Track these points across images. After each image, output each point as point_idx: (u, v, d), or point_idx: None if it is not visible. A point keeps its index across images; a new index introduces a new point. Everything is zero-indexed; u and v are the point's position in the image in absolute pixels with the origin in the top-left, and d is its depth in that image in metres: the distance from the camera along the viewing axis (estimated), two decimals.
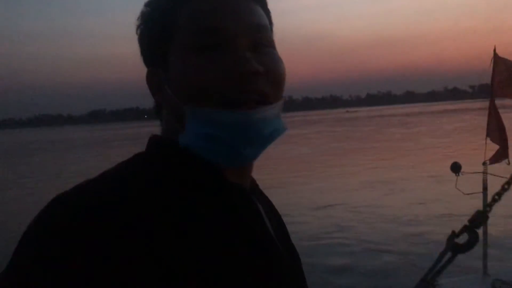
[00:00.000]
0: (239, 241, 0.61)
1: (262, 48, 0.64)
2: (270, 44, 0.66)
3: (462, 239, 2.81)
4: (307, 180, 13.68)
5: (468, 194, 3.89)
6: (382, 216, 8.80)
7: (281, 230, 0.74)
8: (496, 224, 6.35)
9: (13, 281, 0.51)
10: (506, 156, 3.90)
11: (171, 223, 0.56)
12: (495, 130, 3.99)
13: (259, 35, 0.64)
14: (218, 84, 0.60)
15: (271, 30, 0.69)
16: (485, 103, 4.28)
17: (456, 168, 4.04)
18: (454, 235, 2.73)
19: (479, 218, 2.72)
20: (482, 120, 4.27)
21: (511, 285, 3.67)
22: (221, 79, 0.60)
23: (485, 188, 4.18)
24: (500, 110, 4.16)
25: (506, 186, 3.16)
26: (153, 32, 0.65)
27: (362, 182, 12.54)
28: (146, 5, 0.67)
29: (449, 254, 2.70)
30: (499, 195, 3.00)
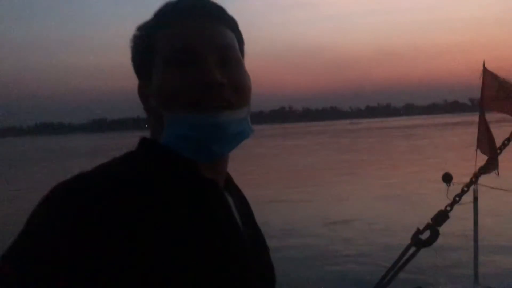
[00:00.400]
0: (206, 230, 0.71)
1: (229, 65, 0.76)
2: (237, 61, 0.78)
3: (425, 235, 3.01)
4: (315, 194, 12.97)
5: (459, 204, 4.01)
6: (400, 235, 7.83)
7: (251, 222, 0.85)
8: (487, 235, 6.40)
9: (22, 261, 0.59)
10: (495, 167, 4.02)
11: (147, 213, 0.65)
12: (485, 142, 4.11)
13: (226, 53, 0.76)
14: (187, 93, 0.72)
15: (241, 49, 0.81)
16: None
17: (447, 178, 4.18)
18: (418, 232, 2.92)
19: (441, 217, 2.90)
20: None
21: None
22: (189, 88, 0.72)
23: (475, 198, 4.31)
24: (495, 124, 4.28)
25: (465, 189, 3.50)
26: (140, 52, 0.79)
27: (374, 197, 11.89)
28: (137, 29, 0.81)
29: (413, 249, 2.88)
30: (459, 196, 3.34)
